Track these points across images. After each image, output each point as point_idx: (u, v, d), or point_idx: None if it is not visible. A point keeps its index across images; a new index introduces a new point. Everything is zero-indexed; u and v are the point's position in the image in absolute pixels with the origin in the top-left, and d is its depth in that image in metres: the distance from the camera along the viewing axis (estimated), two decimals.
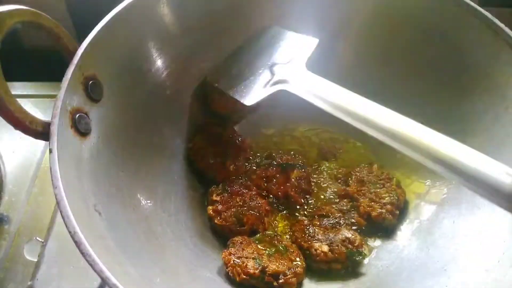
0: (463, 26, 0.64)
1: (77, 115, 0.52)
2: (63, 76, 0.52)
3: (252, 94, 0.65)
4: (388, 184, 0.70)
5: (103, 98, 0.58)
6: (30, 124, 0.49)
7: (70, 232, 0.43)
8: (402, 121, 0.49)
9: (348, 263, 0.63)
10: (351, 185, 0.72)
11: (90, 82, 0.55)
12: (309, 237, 0.65)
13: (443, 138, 0.46)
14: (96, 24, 0.57)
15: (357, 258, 0.63)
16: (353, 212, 0.69)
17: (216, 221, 0.65)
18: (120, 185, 0.58)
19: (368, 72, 0.75)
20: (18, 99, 0.49)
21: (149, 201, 0.62)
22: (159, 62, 0.69)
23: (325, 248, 0.63)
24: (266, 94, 0.64)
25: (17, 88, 0.91)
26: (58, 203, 0.44)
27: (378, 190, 0.70)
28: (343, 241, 0.63)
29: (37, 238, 0.70)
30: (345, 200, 0.71)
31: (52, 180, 0.45)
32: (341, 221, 0.67)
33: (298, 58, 0.64)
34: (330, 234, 0.65)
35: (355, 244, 0.63)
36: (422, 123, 0.62)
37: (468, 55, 0.65)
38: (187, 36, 0.71)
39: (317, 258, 0.62)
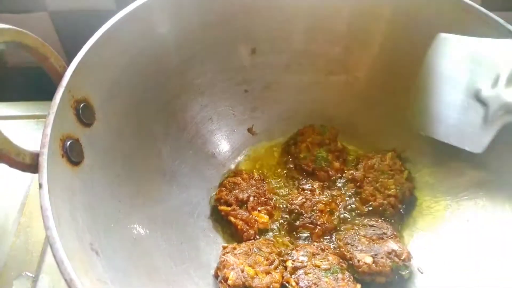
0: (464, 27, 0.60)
1: (69, 142, 0.48)
2: (50, 94, 0.48)
3: (477, 139, 0.56)
4: (398, 176, 0.68)
5: (95, 121, 0.54)
6: (16, 157, 0.44)
7: (66, 280, 0.38)
8: None
9: (393, 277, 0.59)
10: (359, 170, 0.70)
11: (81, 105, 0.51)
12: (352, 247, 0.62)
13: None
14: (86, 42, 0.53)
15: (403, 273, 0.59)
16: (355, 198, 0.69)
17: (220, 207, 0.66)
18: (118, 217, 0.53)
19: None
20: (2, 121, 0.44)
21: (148, 232, 0.57)
22: (154, 79, 0.64)
23: (369, 259, 0.59)
24: (494, 133, 0.55)
25: (0, 108, 0.85)
26: (51, 246, 0.39)
27: (386, 180, 0.68)
28: (389, 253, 0.60)
29: (27, 273, 0.65)
30: (351, 185, 0.70)
31: (43, 220, 0.41)
32: (388, 232, 0.63)
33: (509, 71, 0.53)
34: (375, 245, 0.61)
35: (401, 258, 0.59)
36: None
37: None
38: (184, 49, 0.67)
39: (359, 269, 0.59)
